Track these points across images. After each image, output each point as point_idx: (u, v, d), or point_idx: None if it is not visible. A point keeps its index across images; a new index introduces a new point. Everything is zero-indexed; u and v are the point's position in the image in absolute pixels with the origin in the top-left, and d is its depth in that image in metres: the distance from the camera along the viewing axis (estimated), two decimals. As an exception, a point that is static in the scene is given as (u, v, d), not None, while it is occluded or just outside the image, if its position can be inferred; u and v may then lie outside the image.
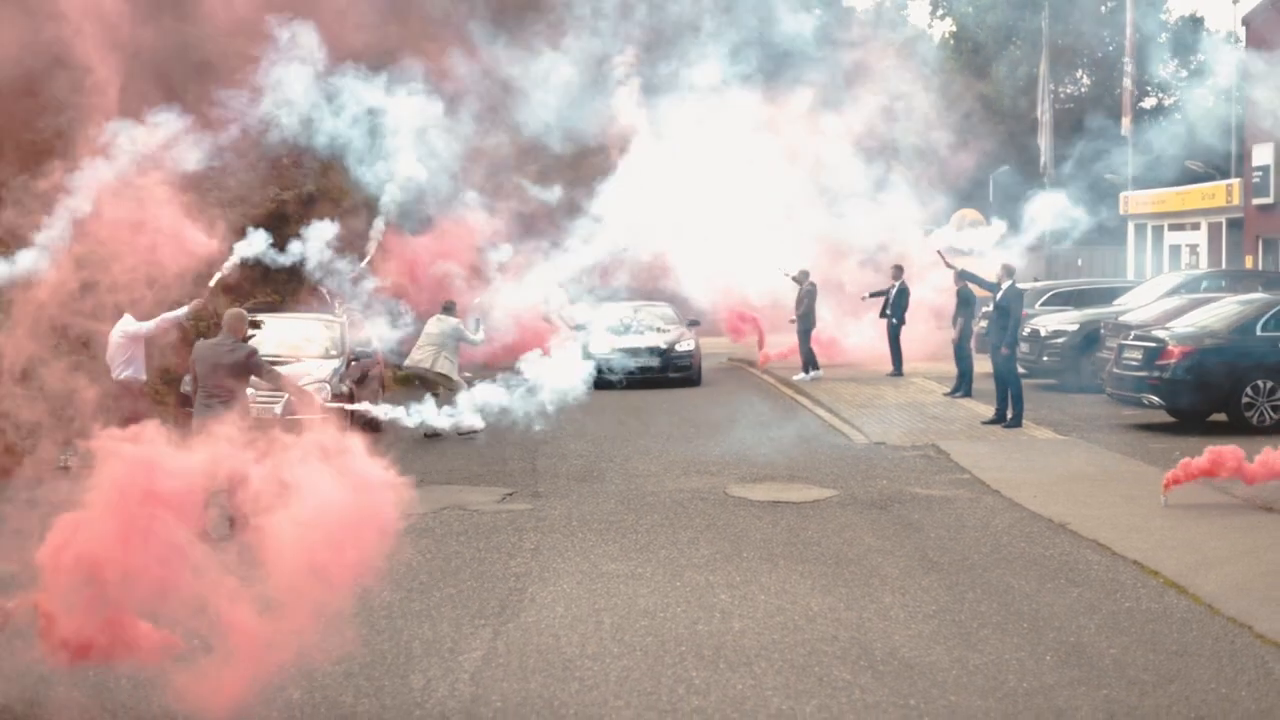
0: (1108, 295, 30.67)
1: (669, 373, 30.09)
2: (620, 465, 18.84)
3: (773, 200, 26.74)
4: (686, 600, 11.48)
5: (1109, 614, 10.96)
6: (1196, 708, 8.68)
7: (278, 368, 16.44)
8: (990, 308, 24.37)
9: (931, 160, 35.47)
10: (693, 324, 32.06)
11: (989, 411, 22.88)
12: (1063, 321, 28.31)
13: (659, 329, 31.40)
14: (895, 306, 30.34)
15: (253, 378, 14.44)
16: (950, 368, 27.48)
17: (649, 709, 8.73)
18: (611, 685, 9.22)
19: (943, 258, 25.51)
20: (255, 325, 21.95)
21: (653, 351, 30.16)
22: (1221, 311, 22.39)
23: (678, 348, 30.51)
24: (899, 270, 30.59)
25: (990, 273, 23.76)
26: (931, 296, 32.18)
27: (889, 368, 30.40)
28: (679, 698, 8.95)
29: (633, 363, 28.76)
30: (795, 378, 29.89)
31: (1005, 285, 22.29)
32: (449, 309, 23.00)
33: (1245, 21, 41.32)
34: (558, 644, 10.21)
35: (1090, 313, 28.34)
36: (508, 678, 9.40)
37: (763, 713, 8.66)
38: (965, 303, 26.30)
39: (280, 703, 8.61)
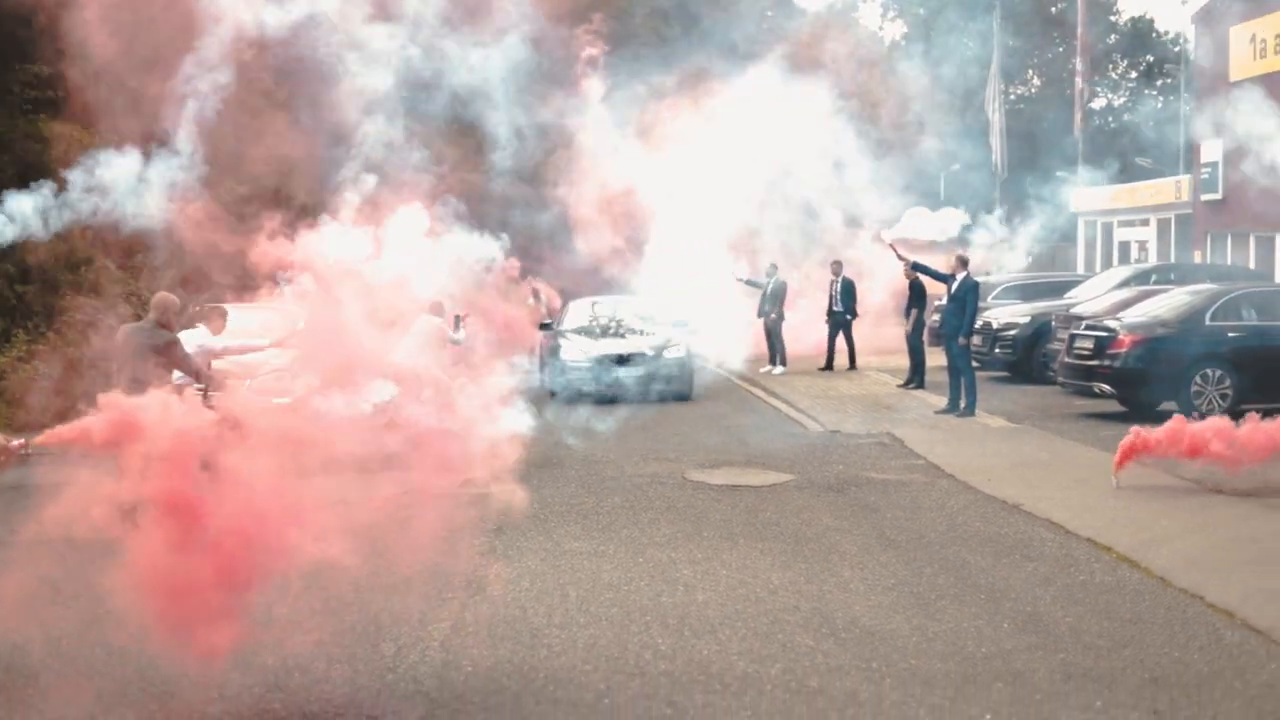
0: (1059, 289, 30.95)
1: (655, 384, 25.16)
2: (578, 452, 18.97)
3: (730, 197, 26.93)
4: (650, 575, 11.66)
5: (1064, 586, 11.19)
6: (1151, 669, 8.91)
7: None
8: (943, 301, 24.67)
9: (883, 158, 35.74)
10: (680, 324, 26.89)
11: (942, 402, 23.15)
12: (1014, 314, 28.59)
13: (642, 331, 26.54)
14: (842, 301, 30.40)
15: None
16: (902, 361, 27.78)
17: (617, 672, 8.91)
18: (580, 651, 9.40)
19: (895, 250, 25.75)
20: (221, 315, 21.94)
21: (637, 359, 25.50)
22: (1171, 302, 22.72)
23: (666, 354, 25.71)
24: (839, 266, 30.62)
25: (943, 265, 24.02)
26: (878, 292, 32.47)
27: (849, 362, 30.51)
28: (646, 662, 9.14)
29: (611, 372, 25.13)
30: (763, 369, 29.89)
31: (961, 276, 22.57)
32: (435, 310, 22.63)
33: (1194, 21, 41.80)
34: (525, 615, 10.38)
35: (1042, 305, 28.64)
36: (477, 645, 9.56)
37: (729, 675, 8.84)
38: (918, 295, 26.57)
39: (255, 667, 8.73)
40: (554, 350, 26.11)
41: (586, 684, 8.70)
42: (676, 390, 25.36)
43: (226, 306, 21.91)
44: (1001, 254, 37.86)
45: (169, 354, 13.19)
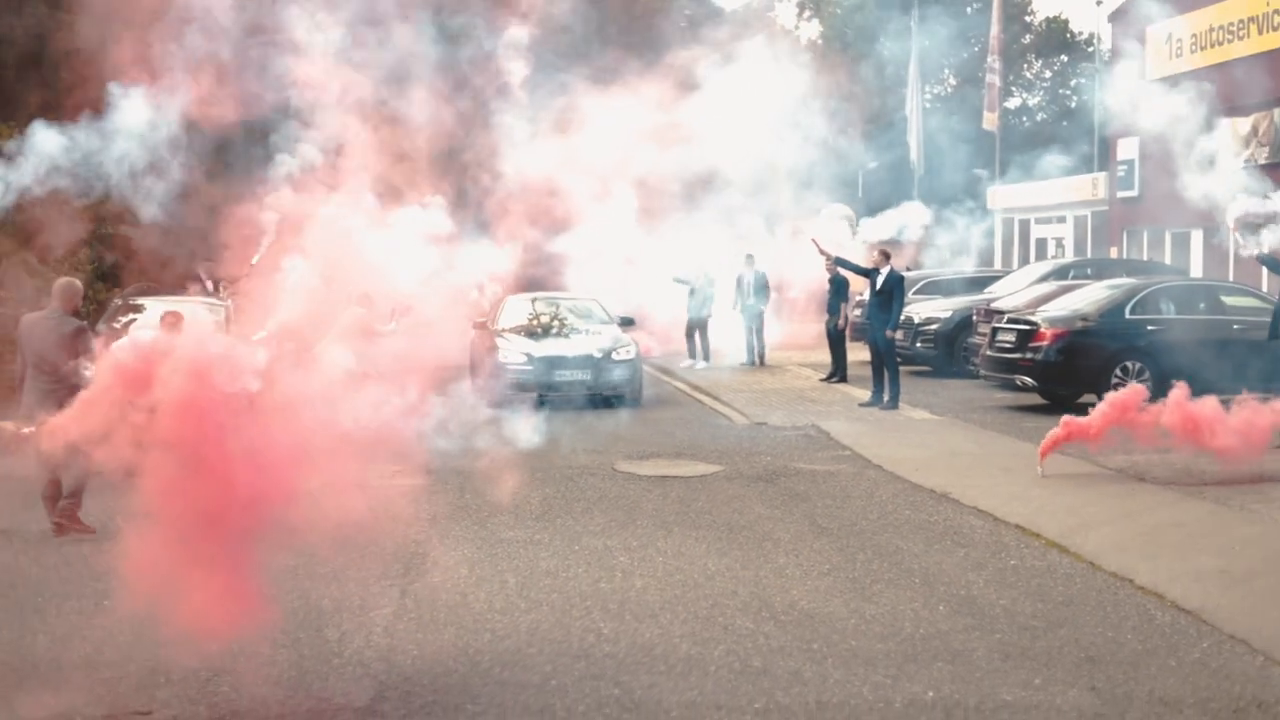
0: (978, 284, 31.14)
1: (601, 390, 23.07)
2: (504, 444, 18.91)
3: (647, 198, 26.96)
4: (587, 562, 11.73)
5: (996, 570, 11.37)
6: (1085, 649, 9.08)
7: None
8: (864, 296, 24.89)
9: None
10: (625, 323, 25.48)
11: (865, 395, 23.34)
12: (936, 309, 28.84)
13: (586, 331, 24.21)
14: (755, 294, 30.63)
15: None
16: (821, 356, 28.00)
17: (562, 655, 8.97)
18: (523, 636, 9.45)
19: (817, 245, 25.81)
20: (136, 310, 21.75)
21: (583, 361, 23.21)
22: (1092, 296, 23.03)
23: (614, 356, 23.44)
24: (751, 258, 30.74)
25: (865, 260, 24.21)
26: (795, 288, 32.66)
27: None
28: (590, 645, 9.20)
29: (554, 376, 22.90)
30: (698, 366, 29.93)
31: (886, 270, 22.78)
32: (363, 302, 21.86)
33: (1111, 19, 42.29)
34: (465, 601, 10.42)
35: (962, 300, 28.89)
36: (421, 630, 9.59)
37: (673, 657, 8.93)
38: (840, 289, 26.78)
39: (198, 653, 8.70)
40: (489, 351, 23.66)
41: (532, 666, 8.76)
42: (625, 396, 23.30)
43: (145, 300, 21.83)
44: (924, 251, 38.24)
45: (77, 343, 12.69)
